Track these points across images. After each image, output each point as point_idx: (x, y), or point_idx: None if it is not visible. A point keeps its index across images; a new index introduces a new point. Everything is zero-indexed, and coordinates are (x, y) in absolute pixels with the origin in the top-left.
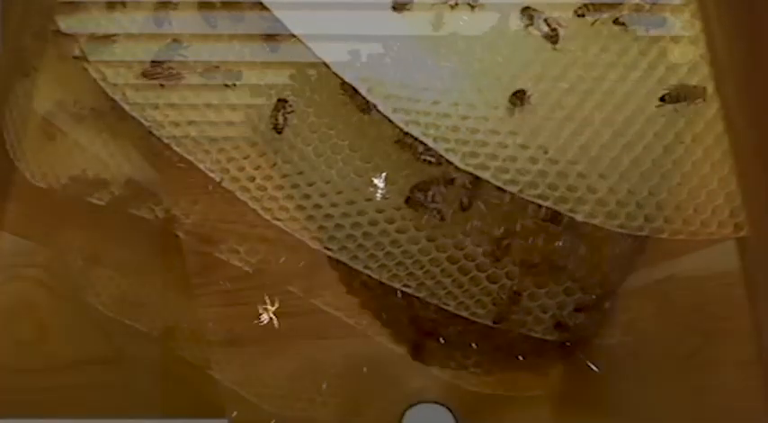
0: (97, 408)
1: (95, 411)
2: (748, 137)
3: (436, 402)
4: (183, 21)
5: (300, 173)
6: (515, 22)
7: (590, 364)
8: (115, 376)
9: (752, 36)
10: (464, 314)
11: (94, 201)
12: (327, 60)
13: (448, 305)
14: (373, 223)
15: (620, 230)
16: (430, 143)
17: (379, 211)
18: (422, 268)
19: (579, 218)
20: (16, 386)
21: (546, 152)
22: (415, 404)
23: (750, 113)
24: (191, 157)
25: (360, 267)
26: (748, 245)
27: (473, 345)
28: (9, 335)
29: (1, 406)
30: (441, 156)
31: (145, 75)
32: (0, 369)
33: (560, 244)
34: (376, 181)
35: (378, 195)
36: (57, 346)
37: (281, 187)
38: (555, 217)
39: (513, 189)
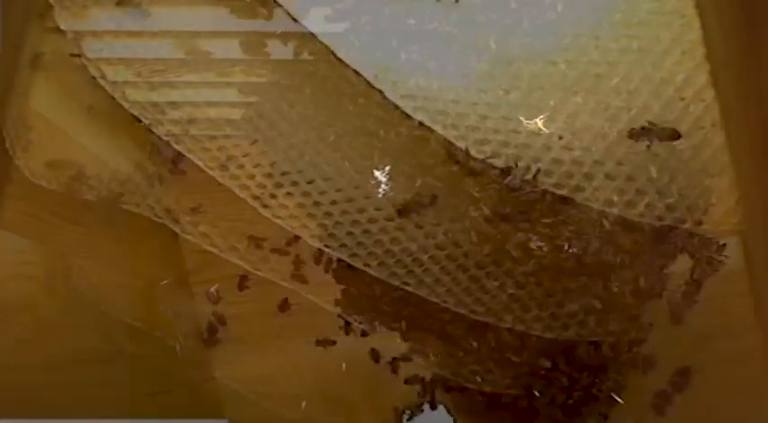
0: (97, 407)
1: (95, 411)
2: (744, 132)
3: (435, 403)
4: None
5: (300, 171)
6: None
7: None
8: (115, 376)
9: (748, 31)
10: (462, 311)
11: (94, 199)
12: (335, 48)
13: (447, 303)
14: (372, 221)
15: (639, 220)
16: (439, 129)
17: (378, 209)
18: (421, 266)
19: (596, 206)
20: (16, 385)
21: (560, 138)
22: (415, 404)
23: (746, 108)
24: (190, 155)
25: (359, 265)
26: (747, 241)
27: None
28: (9, 333)
29: (1, 404)
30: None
31: None
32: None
33: (567, 247)
34: (375, 178)
35: (377, 192)
36: (56, 345)
37: (280, 185)
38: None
39: (527, 177)
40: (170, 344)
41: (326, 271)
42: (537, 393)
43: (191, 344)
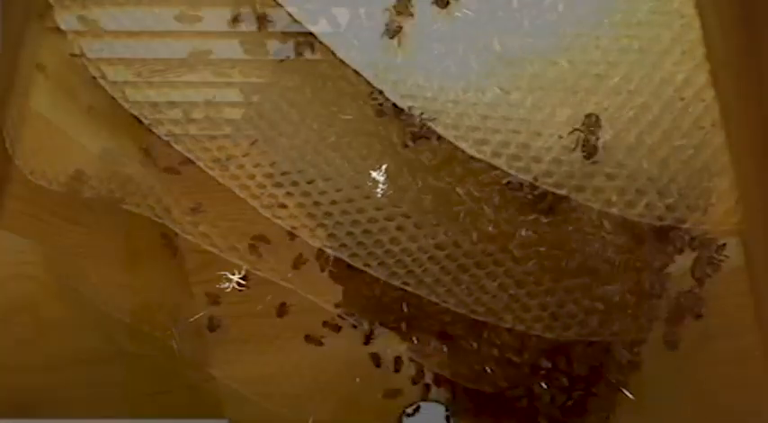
0: (97, 407)
1: (95, 411)
2: (744, 132)
3: (435, 402)
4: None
5: (300, 171)
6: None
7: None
8: (115, 376)
9: (748, 31)
10: (462, 311)
11: (94, 199)
12: (334, 48)
13: (447, 303)
14: (372, 221)
15: (639, 219)
16: (439, 129)
17: (379, 209)
18: (421, 266)
19: (597, 206)
20: (16, 385)
21: (560, 138)
22: (415, 403)
23: (746, 108)
24: (190, 155)
25: (359, 265)
26: (747, 241)
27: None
28: (9, 333)
29: (1, 404)
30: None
31: None
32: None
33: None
34: (375, 179)
35: (377, 192)
36: (56, 345)
37: (280, 185)
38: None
39: (527, 177)
40: (170, 344)
41: (326, 271)
42: (537, 393)
43: (190, 344)
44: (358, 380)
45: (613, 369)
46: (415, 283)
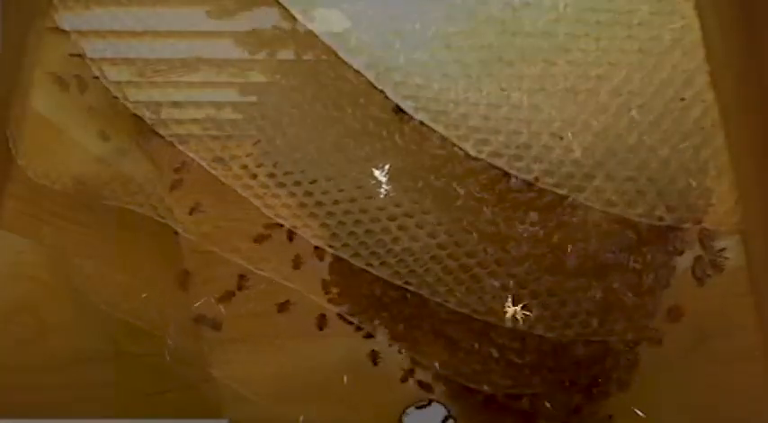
0: (97, 407)
1: (95, 411)
2: (744, 132)
3: (435, 402)
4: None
5: (302, 171)
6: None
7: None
8: (115, 375)
9: (748, 32)
10: (464, 311)
11: (95, 199)
12: (336, 48)
13: (448, 302)
14: (375, 221)
15: (639, 220)
16: (440, 130)
17: (381, 209)
18: (422, 266)
19: (598, 207)
20: (16, 384)
21: (561, 139)
22: (415, 403)
23: (746, 109)
24: (193, 155)
25: (361, 264)
26: (747, 240)
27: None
28: (9, 333)
29: (1, 404)
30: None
31: None
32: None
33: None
34: (377, 178)
35: (379, 192)
36: (56, 345)
37: (283, 185)
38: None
39: (528, 177)
40: (170, 343)
41: (328, 270)
42: (538, 394)
43: (190, 344)
44: (357, 385)
45: (614, 369)
46: (416, 282)
